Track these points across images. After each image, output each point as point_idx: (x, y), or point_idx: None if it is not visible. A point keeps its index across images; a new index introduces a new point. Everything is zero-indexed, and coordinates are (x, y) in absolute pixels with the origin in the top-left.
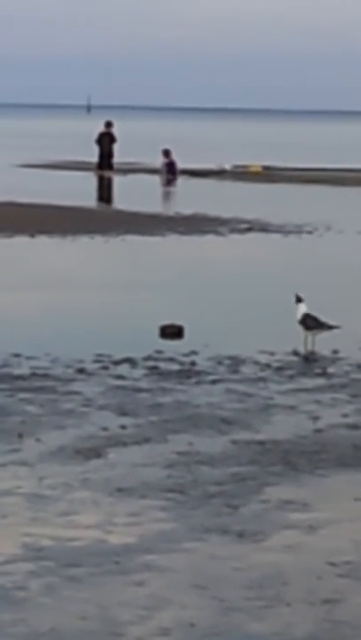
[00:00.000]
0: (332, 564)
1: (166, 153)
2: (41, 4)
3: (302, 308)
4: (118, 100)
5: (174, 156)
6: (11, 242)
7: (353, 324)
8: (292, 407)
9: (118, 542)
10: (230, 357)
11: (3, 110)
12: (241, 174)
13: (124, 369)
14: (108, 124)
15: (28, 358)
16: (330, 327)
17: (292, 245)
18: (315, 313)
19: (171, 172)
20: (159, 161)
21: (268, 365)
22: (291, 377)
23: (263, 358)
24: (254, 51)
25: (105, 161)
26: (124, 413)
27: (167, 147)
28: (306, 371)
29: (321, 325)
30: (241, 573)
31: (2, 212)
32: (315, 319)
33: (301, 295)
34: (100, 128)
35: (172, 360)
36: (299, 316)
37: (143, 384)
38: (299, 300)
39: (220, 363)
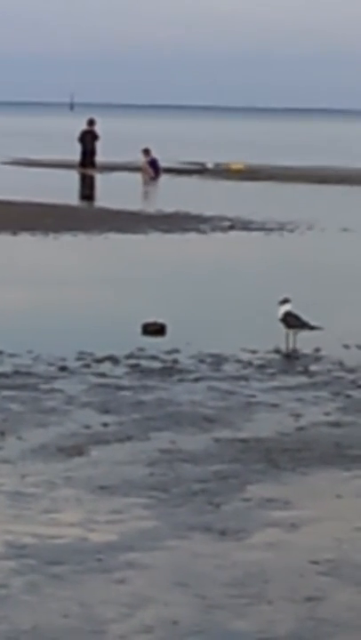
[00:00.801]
0: (315, 562)
1: (146, 152)
2: (29, 1)
3: (285, 307)
4: (102, 98)
5: (154, 154)
6: None
7: (334, 321)
8: (274, 405)
9: (101, 540)
10: (212, 355)
11: None
12: (223, 172)
13: (106, 367)
14: (91, 122)
15: (10, 356)
16: (312, 327)
17: (273, 243)
18: (297, 311)
19: (153, 169)
20: (140, 160)
21: (250, 363)
22: (273, 375)
23: (245, 356)
24: (249, 49)
25: (87, 159)
26: (106, 411)
27: (146, 145)
28: (288, 369)
29: (302, 324)
30: (223, 571)
31: None
32: (296, 317)
33: (289, 297)
34: (83, 126)
35: (154, 358)
36: (280, 313)
37: (125, 382)
38: (285, 301)
39: (202, 360)
